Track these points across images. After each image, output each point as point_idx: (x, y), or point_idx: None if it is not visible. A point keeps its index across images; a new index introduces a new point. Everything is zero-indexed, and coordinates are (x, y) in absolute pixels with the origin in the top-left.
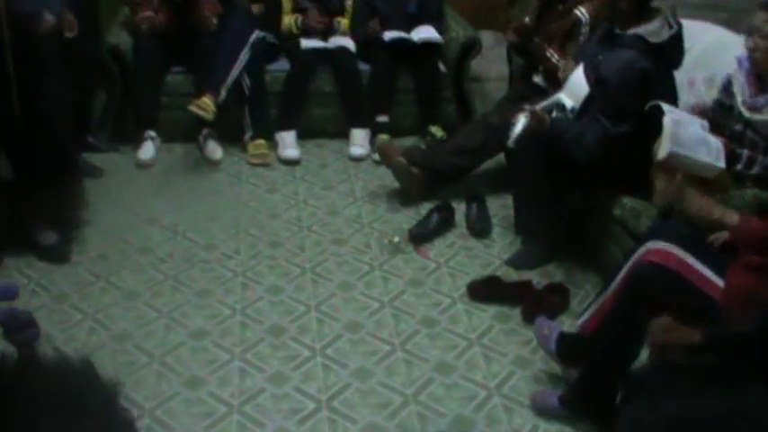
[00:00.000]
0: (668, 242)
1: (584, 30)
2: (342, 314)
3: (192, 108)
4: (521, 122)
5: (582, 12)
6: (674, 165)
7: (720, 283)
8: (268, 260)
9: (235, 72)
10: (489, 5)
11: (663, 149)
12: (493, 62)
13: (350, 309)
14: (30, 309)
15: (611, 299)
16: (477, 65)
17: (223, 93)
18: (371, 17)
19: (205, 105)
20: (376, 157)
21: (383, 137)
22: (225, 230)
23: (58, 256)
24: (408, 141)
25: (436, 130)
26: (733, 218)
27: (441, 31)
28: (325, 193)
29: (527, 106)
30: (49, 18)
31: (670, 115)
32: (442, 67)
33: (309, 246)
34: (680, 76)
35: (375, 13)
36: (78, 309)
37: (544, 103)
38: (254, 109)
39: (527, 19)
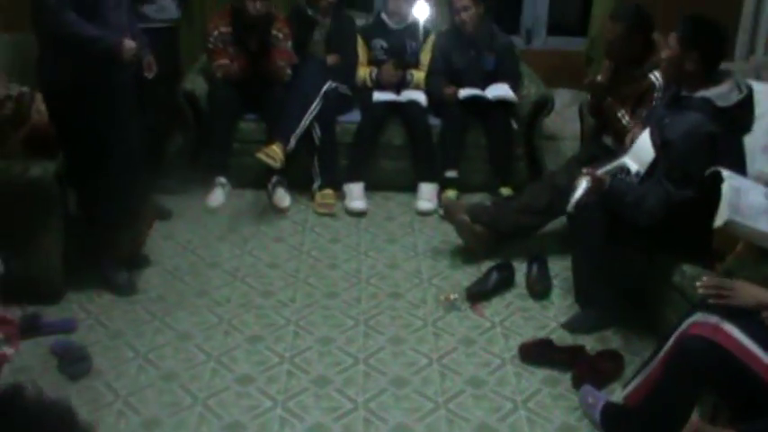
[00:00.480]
0: (717, 315)
1: (658, 95)
2: (389, 368)
3: (260, 156)
4: (581, 187)
5: (656, 76)
6: (732, 233)
7: None
8: (322, 310)
9: (305, 122)
10: (567, 63)
11: (720, 217)
12: (568, 121)
13: (398, 363)
14: (85, 343)
15: (657, 371)
16: (552, 123)
17: (293, 142)
18: (448, 72)
19: (273, 153)
20: (442, 212)
21: (450, 192)
22: (284, 278)
23: (127, 292)
24: (477, 198)
25: (506, 192)
26: None
27: (515, 90)
28: (388, 245)
29: (586, 170)
30: (129, 44)
31: (730, 182)
32: (513, 124)
33: (366, 298)
34: (754, 141)
35: (451, 68)
36: (131, 346)
37: (608, 167)
38: (323, 159)
39: (599, 77)
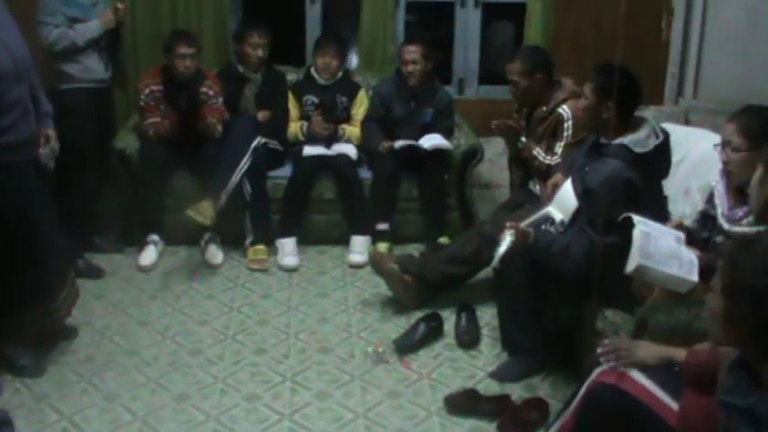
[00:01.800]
0: None
1: (568, 125)
2: (314, 424)
3: (190, 213)
4: (505, 242)
5: (564, 109)
6: (644, 278)
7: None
8: (250, 367)
9: (235, 178)
10: (499, 112)
11: (631, 262)
12: (502, 169)
13: (323, 419)
14: (9, 407)
15: (570, 420)
16: (486, 171)
17: (223, 198)
18: (385, 120)
19: (203, 210)
20: (369, 264)
21: (382, 245)
22: (213, 335)
23: (31, 374)
24: (410, 249)
25: (446, 242)
26: (681, 354)
27: (449, 140)
28: (319, 300)
29: (509, 223)
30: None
31: (640, 227)
32: (445, 175)
33: (294, 353)
34: (675, 185)
35: (389, 116)
36: (56, 409)
37: (533, 218)
38: (254, 215)
39: (511, 121)
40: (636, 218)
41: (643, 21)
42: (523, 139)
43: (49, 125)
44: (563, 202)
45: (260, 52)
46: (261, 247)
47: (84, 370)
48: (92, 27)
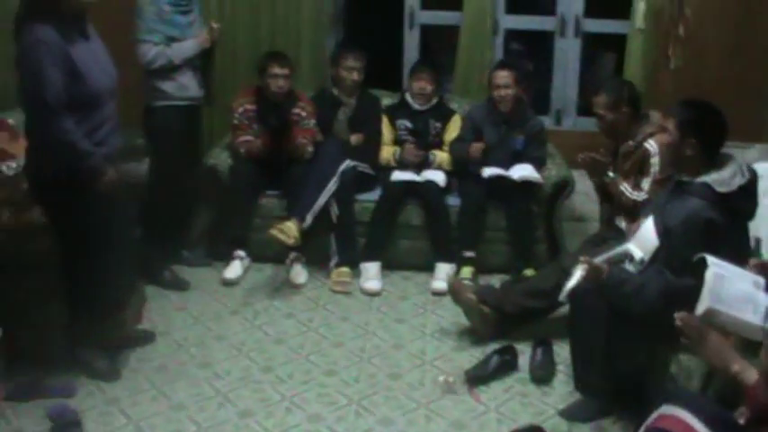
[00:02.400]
0: (683, 408)
1: (654, 160)
2: None
3: (274, 232)
4: (576, 275)
5: (651, 144)
6: (714, 322)
7: None
8: (318, 387)
9: (322, 200)
10: (596, 144)
11: (701, 305)
12: (596, 202)
13: None
14: (81, 408)
15: None
16: (582, 204)
17: (308, 219)
18: (473, 143)
19: (287, 230)
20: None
21: (466, 271)
22: (286, 354)
23: (108, 378)
24: (495, 280)
25: (530, 273)
26: (752, 375)
27: (540, 171)
28: (396, 325)
29: (583, 258)
30: (111, 176)
31: (714, 269)
32: (534, 206)
33: (364, 377)
34: (762, 227)
35: (480, 141)
36: (125, 414)
37: (611, 253)
38: (340, 237)
39: (598, 155)
40: (710, 259)
41: (750, 54)
42: (611, 173)
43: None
44: (644, 239)
45: (355, 75)
46: (345, 269)
47: (156, 378)
48: (188, 46)
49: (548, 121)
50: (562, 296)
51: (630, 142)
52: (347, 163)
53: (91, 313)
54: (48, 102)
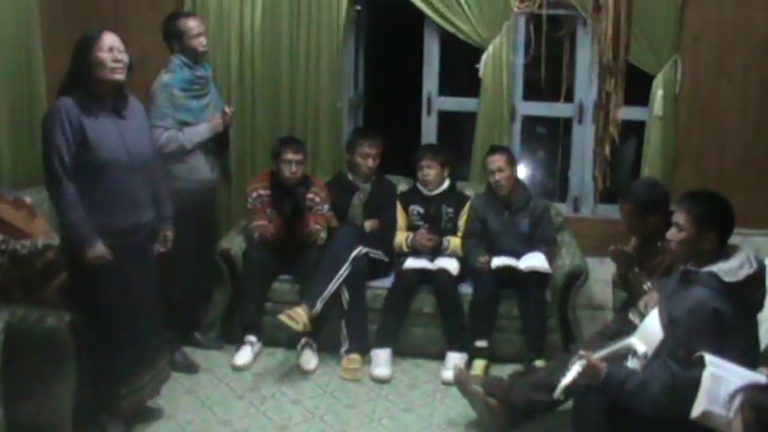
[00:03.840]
0: None
1: None
2: None
3: (283, 318)
4: (572, 371)
5: None
6: (711, 425)
7: None
8: None
9: (333, 285)
10: (616, 231)
11: (697, 407)
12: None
13: None
14: None
15: None
16: (600, 293)
17: (319, 305)
18: (483, 235)
19: (297, 316)
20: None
21: (479, 363)
22: None
23: None
24: (508, 370)
25: (541, 364)
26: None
27: (551, 256)
28: (403, 414)
29: (582, 352)
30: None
31: (711, 369)
32: (547, 294)
33: None
34: None
35: (487, 230)
36: None
37: (613, 348)
38: (351, 323)
39: (627, 248)
40: (708, 358)
41: None
42: (636, 269)
43: (168, 228)
44: (647, 332)
45: (370, 162)
46: (355, 356)
47: None
48: (200, 131)
49: (565, 208)
50: (556, 393)
51: (659, 243)
52: (359, 249)
53: (106, 380)
54: (51, 164)
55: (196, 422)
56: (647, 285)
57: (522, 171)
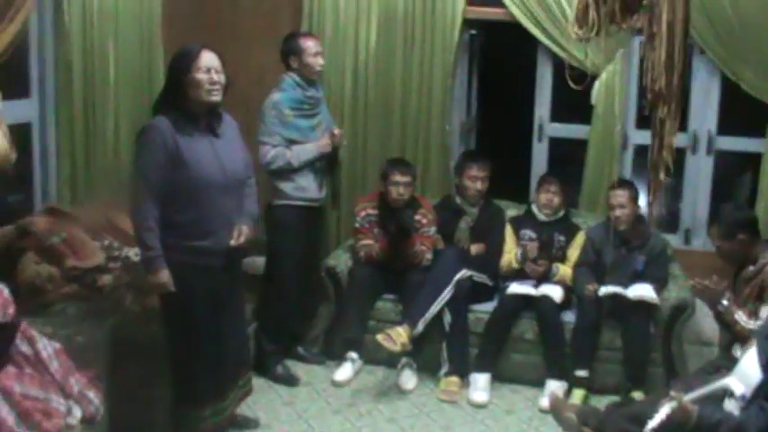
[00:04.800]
0: None
1: None
2: None
3: (380, 338)
4: (660, 413)
5: None
6: None
7: None
8: None
9: (435, 308)
10: (726, 266)
11: None
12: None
13: None
14: None
15: None
16: (711, 328)
17: (420, 326)
18: (596, 266)
19: (396, 336)
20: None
21: (578, 393)
22: None
23: None
24: (607, 401)
25: (638, 396)
26: None
27: (659, 292)
28: None
29: (674, 393)
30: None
31: None
32: (651, 327)
33: None
34: None
35: (600, 262)
36: None
37: (708, 389)
38: (451, 346)
39: (710, 283)
40: None
41: None
42: (725, 301)
43: (247, 223)
44: (745, 372)
45: (478, 185)
46: (454, 378)
47: None
48: (308, 150)
49: (676, 241)
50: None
51: (750, 267)
52: (463, 272)
53: (191, 399)
54: (140, 185)
55: None
56: (737, 314)
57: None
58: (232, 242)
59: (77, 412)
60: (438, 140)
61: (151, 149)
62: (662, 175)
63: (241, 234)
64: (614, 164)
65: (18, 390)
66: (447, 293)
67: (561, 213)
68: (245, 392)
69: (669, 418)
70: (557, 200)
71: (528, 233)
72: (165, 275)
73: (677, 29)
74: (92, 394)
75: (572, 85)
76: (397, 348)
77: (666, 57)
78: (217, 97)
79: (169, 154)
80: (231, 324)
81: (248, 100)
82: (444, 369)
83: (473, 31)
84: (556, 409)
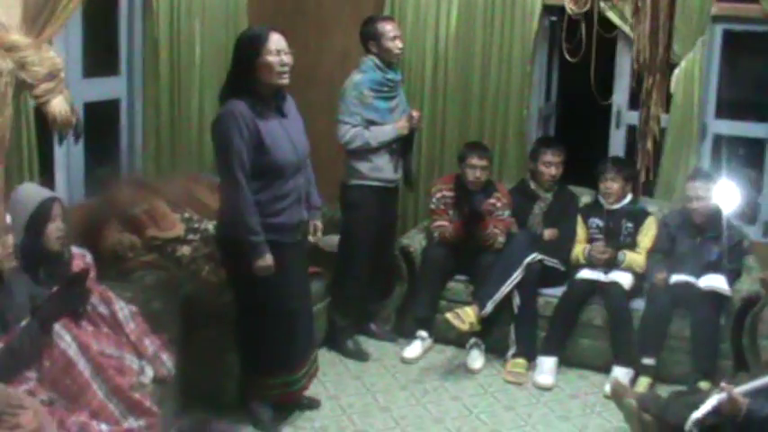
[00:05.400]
0: None
1: None
2: None
3: (449, 316)
4: (710, 402)
5: None
6: None
7: None
8: None
9: (505, 289)
10: None
11: None
12: None
13: None
14: None
15: None
16: None
17: (489, 307)
18: (670, 254)
19: (465, 316)
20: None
21: (644, 380)
22: None
23: (267, 430)
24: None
25: (705, 386)
26: None
27: (732, 283)
28: (559, 423)
29: (724, 384)
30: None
31: None
32: (722, 319)
33: None
34: None
35: (674, 251)
36: None
37: (759, 382)
38: (519, 328)
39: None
40: None
41: None
42: None
43: (318, 218)
44: None
45: (552, 170)
46: (521, 360)
47: None
48: (386, 131)
49: (755, 233)
50: (688, 426)
51: None
52: (534, 256)
53: (257, 368)
54: (232, 171)
55: (357, 406)
56: None
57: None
58: (311, 238)
59: (150, 372)
60: (516, 126)
61: (235, 133)
62: (649, 144)
63: (317, 230)
64: (692, 153)
65: (95, 346)
66: (517, 276)
67: (628, 200)
68: (315, 368)
69: (717, 409)
70: (615, 186)
71: (596, 221)
72: (270, 259)
73: (662, 3)
74: (164, 356)
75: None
76: (464, 327)
77: (651, 31)
78: (286, 80)
79: (251, 137)
80: (300, 298)
81: (331, 81)
82: (512, 351)
83: (553, 18)
84: (617, 395)
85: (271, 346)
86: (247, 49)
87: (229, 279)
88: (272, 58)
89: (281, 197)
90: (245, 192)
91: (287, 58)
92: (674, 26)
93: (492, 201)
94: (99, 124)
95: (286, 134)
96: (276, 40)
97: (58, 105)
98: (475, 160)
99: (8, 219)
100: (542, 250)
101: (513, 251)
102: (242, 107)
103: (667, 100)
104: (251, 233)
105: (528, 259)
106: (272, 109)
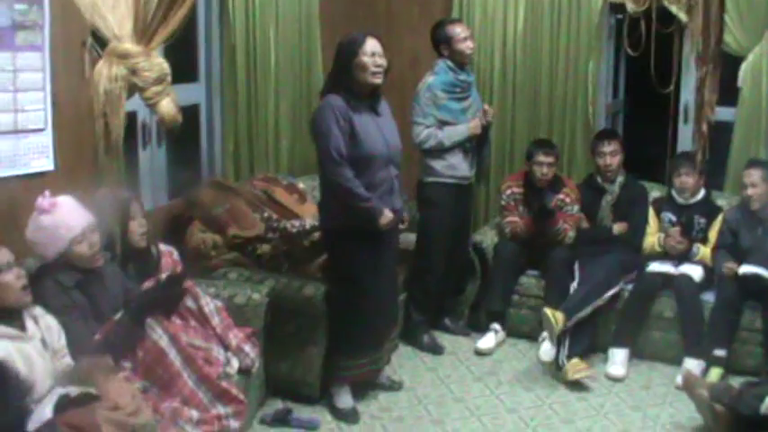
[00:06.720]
0: None
1: None
2: None
3: (548, 311)
4: None
5: None
6: None
7: None
8: None
9: (589, 309)
10: None
11: None
12: None
13: None
14: None
15: None
16: None
17: (573, 321)
18: (734, 249)
19: (558, 318)
20: (681, 383)
21: (716, 371)
22: (515, 423)
23: (346, 418)
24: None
25: None
26: None
27: None
28: (630, 412)
29: None
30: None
31: None
32: None
33: None
34: None
35: (738, 245)
36: None
37: None
38: (576, 334)
39: None
40: None
41: None
42: None
43: (402, 215)
44: None
45: (607, 160)
46: (575, 360)
47: (392, 428)
48: (459, 131)
49: None
50: (763, 408)
51: None
52: (621, 286)
53: (347, 350)
54: (331, 152)
55: (432, 397)
56: None
57: None
58: (402, 227)
59: (235, 363)
60: (583, 123)
61: (333, 123)
62: (704, 127)
63: (405, 221)
64: (761, 147)
65: (184, 338)
66: (602, 301)
67: (701, 195)
68: (394, 345)
69: None
70: (690, 181)
71: (669, 216)
72: (389, 214)
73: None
74: (248, 348)
75: None
76: (558, 328)
77: (703, 23)
78: (380, 80)
79: (346, 127)
80: (388, 282)
81: (402, 83)
82: (564, 354)
83: (619, 16)
84: (689, 386)
85: (363, 324)
86: (346, 51)
87: (333, 266)
88: (366, 59)
89: (372, 186)
90: (347, 170)
91: (381, 60)
92: (729, 18)
93: (561, 197)
94: (180, 129)
95: (378, 129)
96: (372, 44)
97: (167, 106)
98: (541, 157)
99: (93, 220)
100: (613, 246)
101: (607, 275)
102: (338, 101)
103: (735, 94)
104: (363, 200)
105: (614, 291)
106: (366, 106)
